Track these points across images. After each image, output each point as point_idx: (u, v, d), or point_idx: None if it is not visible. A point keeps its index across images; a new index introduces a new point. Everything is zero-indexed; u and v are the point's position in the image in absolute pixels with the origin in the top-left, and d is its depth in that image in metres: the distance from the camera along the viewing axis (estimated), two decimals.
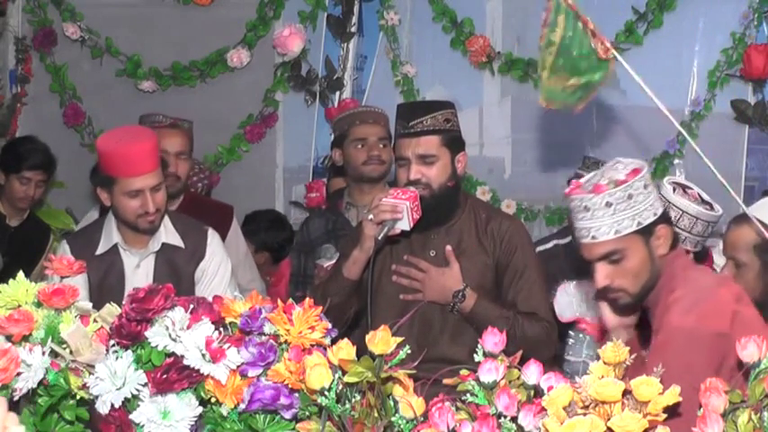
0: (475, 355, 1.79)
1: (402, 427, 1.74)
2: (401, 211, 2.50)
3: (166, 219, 2.86)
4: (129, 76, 5.00)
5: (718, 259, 3.03)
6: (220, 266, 2.88)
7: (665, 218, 2.16)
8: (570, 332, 3.32)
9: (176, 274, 2.81)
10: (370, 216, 2.54)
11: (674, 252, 2.17)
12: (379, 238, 2.50)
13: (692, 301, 2.07)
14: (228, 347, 1.81)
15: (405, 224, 2.53)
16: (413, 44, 4.83)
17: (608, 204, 2.07)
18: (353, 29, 4.84)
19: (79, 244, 2.84)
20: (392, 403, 1.76)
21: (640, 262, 2.12)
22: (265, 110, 4.93)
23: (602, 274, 2.13)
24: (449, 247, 2.65)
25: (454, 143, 2.65)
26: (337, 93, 4.85)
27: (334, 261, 3.09)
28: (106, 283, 2.80)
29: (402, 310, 2.57)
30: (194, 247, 2.86)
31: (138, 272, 2.80)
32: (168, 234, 2.84)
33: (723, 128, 4.37)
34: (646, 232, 2.10)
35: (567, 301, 3.27)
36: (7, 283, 1.92)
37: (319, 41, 4.85)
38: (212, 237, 2.91)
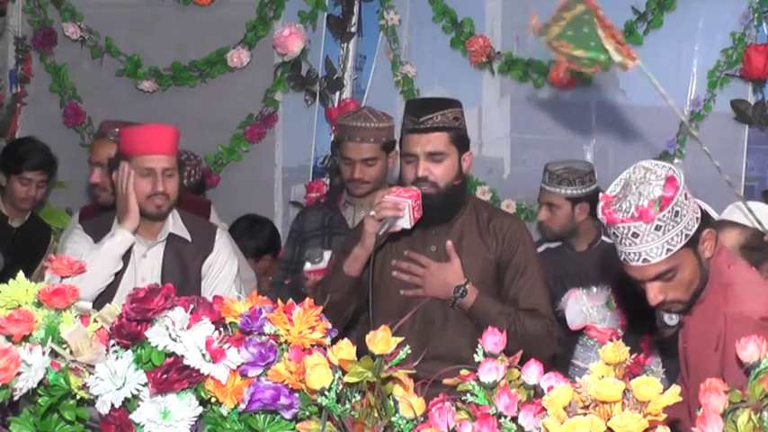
0: (475, 355, 1.79)
1: (402, 427, 1.74)
2: (403, 208, 2.51)
3: (176, 213, 2.90)
4: (129, 76, 5.00)
5: None
6: (227, 263, 2.90)
7: (705, 220, 2.13)
8: (580, 338, 3.33)
9: (183, 266, 2.84)
10: (372, 212, 2.55)
11: (716, 249, 2.17)
12: (380, 233, 2.50)
13: (750, 290, 2.10)
14: (228, 347, 1.81)
15: (406, 222, 2.53)
16: (413, 44, 4.83)
17: (658, 228, 2.04)
18: (353, 29, 4.84)
19: (92, 228, 2.88)
20: (392, 403, 1.76)
21: (692, 272, 2.11)
22: (265, 110, 4.93)
23: (655, 291, 2.12)
24: (449, 243, 2.65)
25: (461, 141, 2.66)
26: (337, 93, 4.85)
27: (319, 266, 3.10)
28: None
29: (403, 305, 2.58)
30: (202, 242, 2.89)
31: (145, 261, 2.82)
32: (176, 226, 2.87)
33: (723, 128, 4.37)
34: (693, 242, 2.09)
35: (578, 309, 3.29)
36: (8, 284, 1.92)
37: (319, 41, 4.85)
38: (220, 234, 2.96)
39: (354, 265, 2.61)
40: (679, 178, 2.06)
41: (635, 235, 2.06)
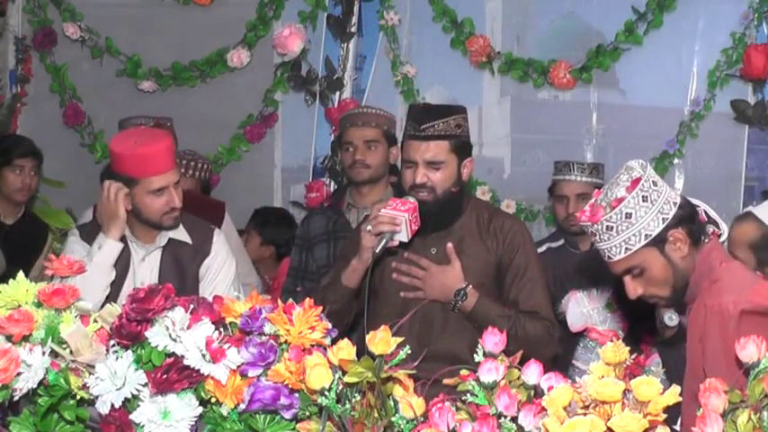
0: (475, 356, 1.79)
1: (402, 427, 1.74)
2: (400, 223, 2.51)
3: None
4: (129, 76, 5.01)
5: None
6: (224, 264, 2.89)
7: (677, 220, 2.11)
8: (581, 339, 3.33)
9: (181, 270, 2.83)
10: (369, 227, 2.54)
11: (707, 246, 2.15)
12: (377, 251, 2.50)
13: (733, 284, 2.08)
14: (228, 347, 1.81)
15: (403, 236, 2.54)
16: (413, 44, 4.83)
17: (609, 228, 2.08)
18: (353, 29, 4.84)
19: (88, 233, 2.85)
20: (392, 403, 1.76)
21: (661, 270, 2.12)
22: (265, 110, 4.93)
23: (631, 287, 2.16)
24: (449, 245, 2.65)
25: (462, 149, 2.65)
26: (337, 93, 4.85)
27: None
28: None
29: (403, 308, 2.57)
30: (200, 244, 2.87)
31: (143, 265, 2.81)
32: (176, 230, 2.85)
33: (723, 128, 4.37)
34: (658, 242, 2.09)
35: (578, 311, 3.29)
36: (6, 283, 1.92)
37: (319, 41, 4.86)
38: (218, 235, 2.94)
39: (352, 277, 2.62)
40: (644, 180, 2.07)
41: (592, 234, 2.12)
